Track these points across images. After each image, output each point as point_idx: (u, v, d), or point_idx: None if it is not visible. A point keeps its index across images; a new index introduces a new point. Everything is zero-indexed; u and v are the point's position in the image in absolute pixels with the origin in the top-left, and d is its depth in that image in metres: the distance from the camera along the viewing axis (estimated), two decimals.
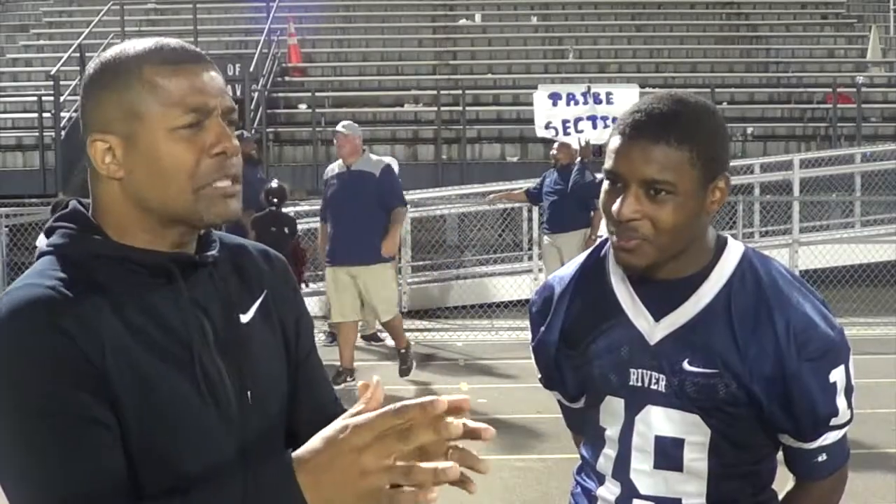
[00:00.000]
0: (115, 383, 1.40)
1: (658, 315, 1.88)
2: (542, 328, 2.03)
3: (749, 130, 17.00)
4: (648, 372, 1.88)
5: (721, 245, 1.90)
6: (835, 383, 1.82)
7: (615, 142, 1.83)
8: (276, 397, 1.60)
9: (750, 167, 14.42)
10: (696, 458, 1.87)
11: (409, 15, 20.71)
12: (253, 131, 15.99)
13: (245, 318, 1.57)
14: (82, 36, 17.06)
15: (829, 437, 1.86)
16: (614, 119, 11.13)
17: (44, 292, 1.42)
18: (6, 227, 12.06)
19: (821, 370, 1.81)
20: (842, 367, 1.83)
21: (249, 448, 1.52)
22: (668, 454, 1.87)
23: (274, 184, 9.24)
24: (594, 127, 11.26)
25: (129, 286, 1.47)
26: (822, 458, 1.89)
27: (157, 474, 1.43)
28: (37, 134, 15.67)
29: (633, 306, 1.90)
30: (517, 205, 12.30)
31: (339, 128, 8.27)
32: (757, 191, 14.02)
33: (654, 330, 1.88)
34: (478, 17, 20.67)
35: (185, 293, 1.49)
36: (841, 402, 1.83)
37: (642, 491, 1.90)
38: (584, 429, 2.06)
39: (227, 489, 1.33)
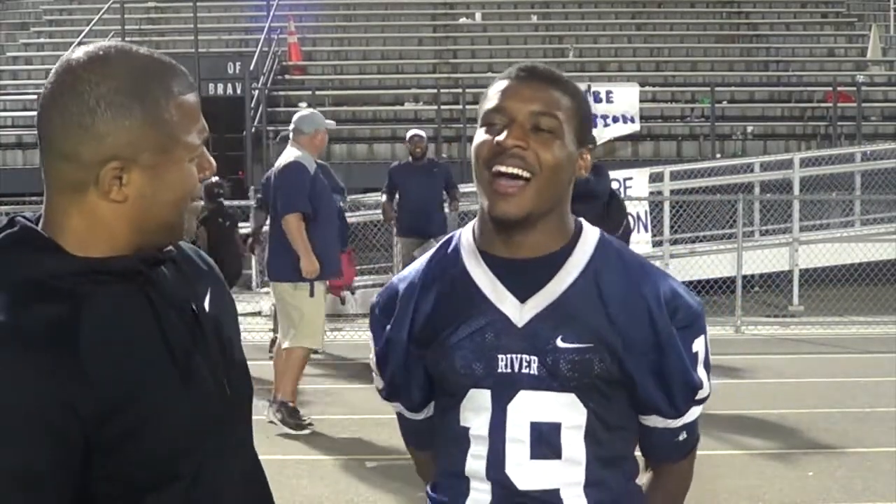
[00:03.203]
0: (107, 397, 1.37)
1: (524, 297, 1.84)
2: (389, 326, 1.94)
3: (749, 129, 17.01)
4: (518, 356, 1.82)
5: (578, 226, 1.92)
6: (697, 353, 1.86)
7: (502, 84, 1.84)
8: (246, 384, 1.62)
9: (750, 166, 14.43)
10: (573, 442, 1.84)
11: (409, 13, 20.74)
12: (253, 130, 16.01)
13: (208, 309, 1.56)
14: (82, 34, 17.07)
15: (692, 414, 1.91)
16: (615, 118, 11.28)
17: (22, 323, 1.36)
18: None
19: (687, 338, 1.85)
20: (702, 338, 1.88)
21: (229, 438, 1.54)
22: (545, 441, 1.83)
23: (214, 179, 9.37)
24: (594, 126, 11.27)
25: (103, 297, 1.43)
26: (683, 436, 1.93)
27: (153, 479, 1.43)
28: (37, 132, 15.63)
29: (496, 291, 1.85)
30: None
31: (327, 122, 7.28)
32: (757, 189, 14.01)
33: (521, 312, 1.83)
34: (478, 16, 20.69)
35: (158, 292, 1.48)
36: (702, 373, 1.88)
37: (521, 486, 1.84)
38: (437, 439, 1.97)
39: None
